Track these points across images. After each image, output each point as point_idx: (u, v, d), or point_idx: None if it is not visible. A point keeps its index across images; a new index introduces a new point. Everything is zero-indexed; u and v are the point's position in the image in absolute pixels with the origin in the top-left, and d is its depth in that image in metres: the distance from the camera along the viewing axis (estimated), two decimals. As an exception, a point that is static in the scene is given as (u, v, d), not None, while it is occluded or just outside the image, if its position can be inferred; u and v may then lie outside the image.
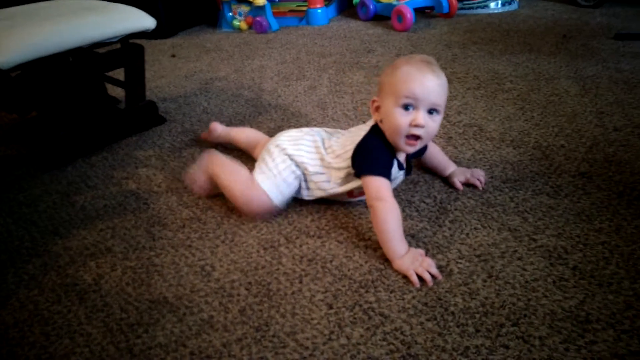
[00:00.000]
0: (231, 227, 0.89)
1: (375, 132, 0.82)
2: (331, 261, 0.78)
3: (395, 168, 0.83)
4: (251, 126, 1.28)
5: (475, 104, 1.31)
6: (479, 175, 0.93)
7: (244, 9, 2.28)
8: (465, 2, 2.31)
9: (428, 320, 0.66)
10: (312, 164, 0.88)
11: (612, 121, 1.14)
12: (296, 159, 0.88)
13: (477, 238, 0.80)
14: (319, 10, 2.28)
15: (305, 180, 0.89)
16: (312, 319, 0.68)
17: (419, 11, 2.29)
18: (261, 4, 2.18)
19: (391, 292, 0.71)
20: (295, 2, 2.59)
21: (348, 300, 0.70)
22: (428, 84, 0.75)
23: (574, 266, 0.72)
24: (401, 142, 0.79)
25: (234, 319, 0.69)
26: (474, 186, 0.93)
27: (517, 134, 1.12)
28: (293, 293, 0.72)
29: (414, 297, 0.70)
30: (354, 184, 0.85)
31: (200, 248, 0.84)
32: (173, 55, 2.00)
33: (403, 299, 0.69)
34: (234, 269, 0.78)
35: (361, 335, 0.64)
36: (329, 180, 0.87)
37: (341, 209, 0.91)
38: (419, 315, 0.66)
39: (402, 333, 0.64)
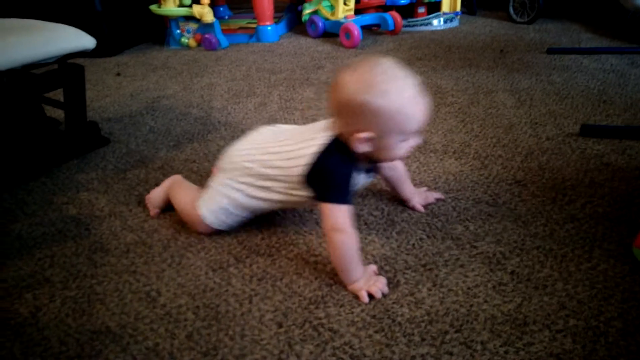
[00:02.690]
0: (178, 249, 0.87)
1: (334, 151, 0.73)
2: (281, 279, 0.78)
3: (361, 175, 0.78)
4: (200, 144, 1.27)
5: (420, 117, 1.35)
6: (434, 197, 0.94)
7: (192, 26, 2.26)
8: (409, 20, 2.40)
9: (376, 332, 0.67)
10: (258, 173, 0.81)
11: (545, 131, 1.21)
12: (239, 179, 0.83)
13: (422, 248, 0.82)
14: (269, 28, 2.30)
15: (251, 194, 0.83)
16: (261, 339, 0.67)
17: (366, 28, 2.36)
18: (210, 21, 2.18)
19: (340, 307, 0.71)
20: (245, 19, 2.60)
21: (298, 317, 0.70)
22: (424, 111, 0.70)
23: (512, 271, 0.75)
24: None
25: (180, 345, 0.67)
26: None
27: (458, 146, 1.17)
28: (242, 314, 0.71)
29: (362, 310, 0.70)
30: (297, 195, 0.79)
31: (145, 273, 0.81)
32: (118, 74, 1.95)
33: (352, 313, 0.70)
34: (181, 293, 0.77)
35: (311, 352, 0.64)
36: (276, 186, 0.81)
37: (292, 226, 0.91)
38: (368, 328, 0.67)
39: (351, 347, 0.65)
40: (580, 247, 0.80)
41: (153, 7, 2.24)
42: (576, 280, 0.72)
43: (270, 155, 0.80)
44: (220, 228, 0.87)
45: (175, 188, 0.95)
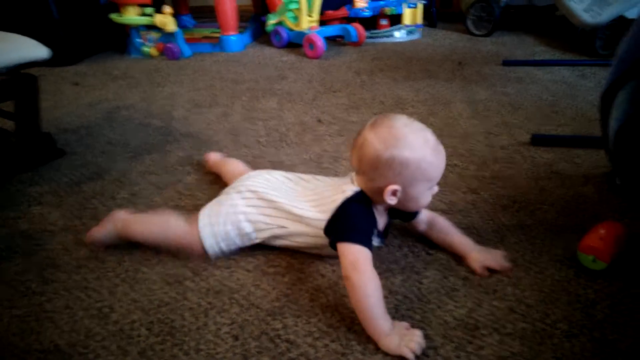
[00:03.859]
0: (133, 264, 0.85)
1: (359, 200, 0.75)
2: (239, 291, 0.77)
3: (375, 238, 0.78)
4: (159, 155, 1.25)
5: (381, 127, 1.38)
6: (499, 261, 0.79)
7: (154, 35, 2.23)
8: (372, 32, 2.45)
9: (332, 341, 0.67)
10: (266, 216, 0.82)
11: (499, 140, 1.26)
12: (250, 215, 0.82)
13: (379, 256, 0.83)
14: (233, 37, 2.30)
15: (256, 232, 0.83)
16: (217, 353, 0.66)
17: (330, 39, 2.39)
18: (172, 30, 2.15)
19: (298, 317, 0.72)
20: (209, 28, 2.59)
21: (255, 330, 0.70)
22: (445, 158, 0.75)
23: (465, 277, 0.78)
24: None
25: (133, 362, 0.65)
26: None
27: (417, 155, 1.20)
28: (198, 328, 0.70)
29: (319, 320, 0.71)
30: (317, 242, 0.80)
31: (97, 289, 0.79)
32: (76, 84, 1.90)
33: (309, 323, 0.70)
34: (135, 308, 0.75)
35: (266, 365, 0.64)
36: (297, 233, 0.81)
37: (250, 237, 0.90)
38: (324, 337, 0.68)
39: (307, 357, 0.65)
40: (530, 252, 0.83)
41: (113, 16, 2.20)
42: (525, 285, 0.75)
43: (300, 200, 0.81)
44: (213, 252, 0.83)
45: (139, 221, 0.88)
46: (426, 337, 0.67)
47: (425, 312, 0.71)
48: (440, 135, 1.30)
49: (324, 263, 0.82)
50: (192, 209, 0.99)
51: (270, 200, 0.82)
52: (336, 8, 2.46)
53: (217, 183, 1.10)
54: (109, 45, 2.42)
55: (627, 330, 0.66)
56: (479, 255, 0.79)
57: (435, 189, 0.77)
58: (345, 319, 0.71)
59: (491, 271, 0.78)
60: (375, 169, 0.72)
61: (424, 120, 1.40)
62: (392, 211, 0.80)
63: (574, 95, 1.55)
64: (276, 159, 1.21)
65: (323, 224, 0.76)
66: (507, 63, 1.93)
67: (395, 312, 0.71)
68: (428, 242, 0.86)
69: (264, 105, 1.58)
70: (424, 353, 0.64)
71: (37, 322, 0.73)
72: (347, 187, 0.77)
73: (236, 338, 0.68)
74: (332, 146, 1.27)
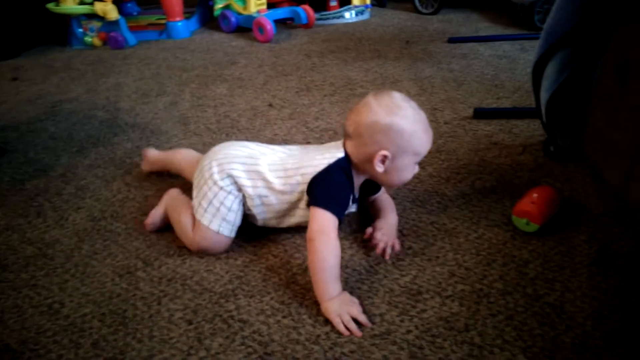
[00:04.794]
0: (82, 258, 0.84)
1: (342, 166, 0.78)
2: (191, 277, 0.78)
3: (351, 205, 0.81)
4: (105, 148, 1.22)
5: (331, 109, 1.40)
6: (393, 245, 0.81)
7: (96, 24, 2.15)
8: (322, 13, 2.44)
9: (284, 317, 0.69)
10: (252, 186, 0.80)
11: (443, 116, 1.30)
12: (237, 181, 0.80)
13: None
14: (179, 23, 2.24)
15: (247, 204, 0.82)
16: (170, 338, 0.67)
17: (280, 22, 2.37)
18: (114, 18, 2.08)
19: (250, 297, 0.73)
20: (154, 15, 2.51)
21: (208, 313, 0.71)
22: (431, 140, 0.79)
23: (409, 246, 0.82)
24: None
25: (85, 354, 0.65)
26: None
27: (366, 134, 1.22)
28: (151, 316, 0.71)
29: (272, 298, 0.73)
30: (297, 218, 0.82)
31: (46, 286, 0.78)
32: (14, 79, 1.81)
33: (262, 302, 0.72)
34: (86, 302, 0.74)
35: (220, 345, 0.66)
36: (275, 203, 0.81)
37: (203, 224, 0.91)
38: (276, 314, 0.70)
39: (259, 334, 0.67)
40: (469, 219, 0.87)
41: (50, 6, 2.10)
42: (464, 250, 0.80)
43: (287, 165, 0.81)
44: (231, 233, 0.82)
45: (171, 211, 0.87)
46: (373, 305, 0.70)
47: (373, 282, 0.75)
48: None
49: (276, 244, 0.84)
50: (141, 201, 0.99)
51: (253, 171, 0.81)
52: (285, -10, 2.44)
53: (167, 174, 1.09)
54: (49, 37, 2.31)
55: (554, 284, 0.72)
56: (377, 233, 0.82)
57: (417, 168, 0.81)
58: (297, 295, 0.73)
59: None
60: (371, 133, 0.75)
61: (372, 99, 1.45)
62: (364, 184, 0.83)
63: (514, 69, 1.61)
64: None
65: (304, 187, 0.78)
66: (452, 40, 1.98)
67: (345, 285, 0.74)
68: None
69: (214, 92, 1.57)
70: (370, 319, 0.67)
71: (-16, 324, 0.71)
72: (334, 150, 0.79)
73: (190, 322, 0.69)
74: (283, 130, 1.28)
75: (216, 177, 0.81)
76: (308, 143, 1.19)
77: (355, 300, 0.70)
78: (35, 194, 1.04)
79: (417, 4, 2.52)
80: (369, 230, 0.83)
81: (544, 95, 1.00)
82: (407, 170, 0.79)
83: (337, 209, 0.75)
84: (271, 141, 1.21)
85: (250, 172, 0.81)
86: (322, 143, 1.18)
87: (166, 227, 0.89)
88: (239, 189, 0.81)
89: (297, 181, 0.78)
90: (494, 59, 1.72)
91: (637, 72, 0.81)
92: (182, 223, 0.84)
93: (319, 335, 0.66)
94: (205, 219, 0.80)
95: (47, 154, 1.21)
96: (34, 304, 0.75)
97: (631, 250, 0.78)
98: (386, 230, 0.82)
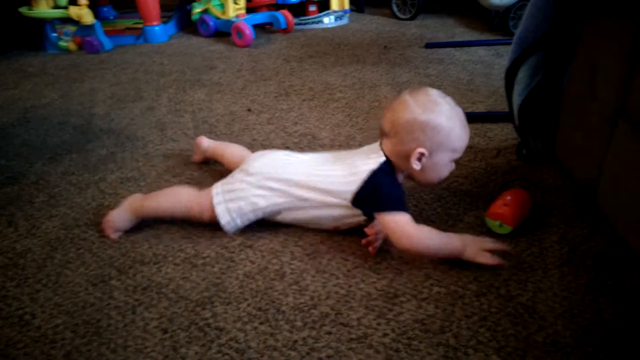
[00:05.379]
0: (55, 267, 0.82)
1: (385, 170, 0.79)
2: (167, 285, 0.77)
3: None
4: (79, 154, 1.20)
5: (310, 114, 1.40)
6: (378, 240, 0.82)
7: (71, 28, 2.11)
8: (301, 18, 2.45)
9: (261, 323, 0.69)
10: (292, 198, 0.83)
11: (420, 120, 1.32)
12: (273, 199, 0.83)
13: (307, 239, 0.86)
14: (157, 28, 2.22)
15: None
16: (145, 347, 0.66)
17: (259, 27, 2.37)
18: (89, 22, 2.04)
19: (227, 305, 0.73)
20: (131, 19, 2.48)
21: (184, 321, 0.70)
22: (468, 136, 0.81)
23: (387, 250, 0.82)
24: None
25: (57, 366, 0.64)
26: None
27: (344, 139, 1.23)
28: (125, 326, 0.70)
29: (249, 305, 0.73)
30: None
31: (17, 297, 0.76)
32: (-15, 83, 1.76)
33: (239, 309, 0.72)
34: (58, 312, 0.73)
35: (196, 353, 0.65)
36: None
37: (180, 231, 0.90)
38: (253, 321, 0.70)
39: (236, 342, 0.66)
40: (445, 222, 0.89)
41: (23, 9, 2.05)
42: (432, 255, 0.81)
43: (324, 171, 0.82)
44: (230, 229, 0.85)
45: (156, 195, 0.91)
46: (351, 309, 0.71)
47: (350, 286, 0.75)
48: (366, 117, 1.36)
49: (254, 250, 0.84)
50: (116, 208, 0.97)
51: (283, 180, 0.83)
52: (263, -5, 2.44)
53: (143, 180, 1.08)
54: (22, 42, 2.25)
55: (527, 285, 0.74)
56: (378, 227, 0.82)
57: (453, 165, 0.82)
58: (275, 301, 0.73)
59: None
60: (408, 131, 0.77)
61: (351, 104, 1.46)
62: None
63: (489, 74, 1.65)
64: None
65: (349, 195, 0.79)
66: (429, 45, 2.01)
67: (322, 289, 0.75)
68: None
69: (192, 97, 1.56)
70: (347, 324, 0.68)
71: (-50, 338, 0.69)
72: (374, 156, 0.80)
73: (165, 331, 0.69)
74: (261, 135, 1.28)
75: (245, 184, 0.84)
76: (287, 148, 1.19)
77: (479, 238, 0.77)
78: (6, 203, 1.01)
79: (395, 9, 2.55)
80: (372, 229, 0.82)
81: (516, 100, 1.02)
82: (444, 167, 0.81)
83: (401, 206, 0.77)
84: (249, 146, 1.20)
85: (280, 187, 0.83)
86: (301, 148, 1.19)
87: (135, 231, 0.88)
88: (263, 197, 0.84)
89: (351, 188, 0.79)
90: (469, 64, 1.75)
91: (604, 77, 0.84)
92: (183, 199, 0.88)
93: (296, 341, 0.66)
94: (217, 201, 0.84)
95: (19, 161, 1.18)
96: (4, 315, 0.73)
97: (600, 251, 0.80)
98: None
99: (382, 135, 0.82)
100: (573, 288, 0.73)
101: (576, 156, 0.96)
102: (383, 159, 0.80)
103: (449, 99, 0.80)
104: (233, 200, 0.84)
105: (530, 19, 0.96)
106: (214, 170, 1.10)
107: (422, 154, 0.77)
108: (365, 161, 0.80)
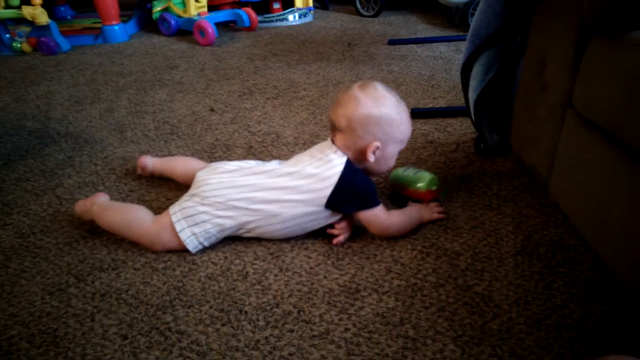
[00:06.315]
0: (10, 277, 0.79)
1: (353, 167, 0.81)
2: (127, 291, 0.76)
3: None
4: (35, 160, 1.16)
5: (274, 112, 1.40)
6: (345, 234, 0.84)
7: (25, 29, 2.03)
8: (265, 16, 2.44)
9: (223, 325, 0.69)
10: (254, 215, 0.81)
11: (383, 116, 1.33)
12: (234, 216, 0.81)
13: (272, 240, 0.86)
14: (116, 27, 2.16)
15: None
16: (104, 355, 0.65)
17: (222, 25, 2.34)
18: (44, 23, 1.97)
19: (189, 308, 0.72)
20: (89, 19, 2.41)
21: (144, 326, 0.69)
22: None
23: (349, 246, 0.83)
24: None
25: (11, 379, 0.62)
26: None
27: (308, 137, 1.24)
28: (84, 333, 0.68)
29: (211, 307, 0.72)
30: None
31: (-32, 309, 0.73)
32: None
33: (200, 311, 0.71)
34: (13, 323, 0.71)
35: (157, 358, 0.64)
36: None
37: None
38: (215, 322, 0.69)
39: (198, 344, 0.66)
40: (406, 216, 0.90)
41: (-29, 9, 1.97)
42: (400, 246, 0.83)
43: (288, 182, 0.81)
44: (194, 250, 0.82)
45: (113, 209, 0.88)
46: (313, 305, 0.71)
47: (313, 283, 0.76)
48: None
49: (216, 251, 0.84)
50: (73, 214, 0.95)
51: (246, 199, 0.81)
52: (226, -7, 2.41)
53: (101, 184, 1.06)
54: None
55: (483, 274, 0.76)
56: (343, 224, 0.85)
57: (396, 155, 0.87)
58: (237, 302, 0.73)
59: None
60: (364, 126, 0.79)
61: (315, 101, 1.47)
62: None
63: (450, 69, 1.68)
64: (166, 152, 1.18)
65: (323, 201, 0.79)
66: (392, 42, 2.04)
67: (285, 287, 0.75)
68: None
69: (153, 98, 1.53)
70: (309, 320, 0.68)
71: None
72: (334, 156, 0.81)
73: (125, 337, 0.68)
74: (224, 135, 1.27)
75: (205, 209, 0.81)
76: (250, 147, 1.19)
77: (424, 206, 0.88)
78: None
79: (359, 6, 2.57)
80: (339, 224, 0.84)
81: (472, 95, 1.05)
82: (393, 158, 0.85)
83: (377, 199, 0.83)
84: (212, 147, 1.20)
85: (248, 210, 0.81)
86: (265, 147, 1.19)
87: (93, 237, 0.86)
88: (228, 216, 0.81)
89: (323, 194, 0.80)
90: (430, 60, 1.79)
91: (551, 71, 0.87)
92: (135, 220, 0.85)
93: (258, 341, 0.66)
94: (179, 227, 0.81)
95: (-30, 169, 1.13)
96: (-46, 330, 0.70)
97: (553, 239, 0.83)
98: (348, 224, 0.85)
99: (333, 130, 0.83)
100: (527, 276, 0.76)
101: (529, 148, 0.99)
102: (345, 157, 0.81)
103: (394, 92, 0.83)
104: (198, 225, 0.81)
105: (482, 15, 0.98)
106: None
107: (377, 147, 0.80)
108: (328, 164, 0.80)
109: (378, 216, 0.82)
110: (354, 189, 0.81)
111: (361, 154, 0.81)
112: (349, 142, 0.81)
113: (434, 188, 0.91)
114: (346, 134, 0.81)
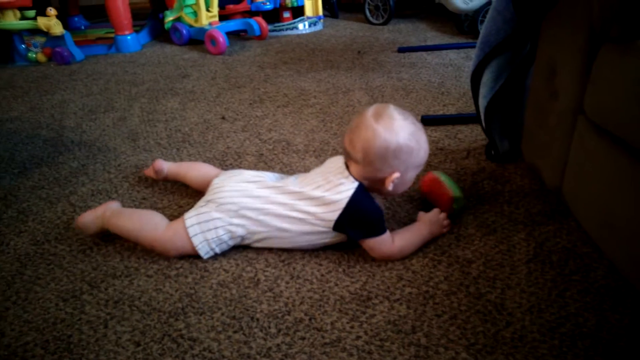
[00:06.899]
0: (24, 284, 0.81)
1: (364, 194, 0.80)
2: (140, 298, 0.77)
3: None
4: (49, 168, 1.18)
5: (284, 120, 1.41)
6: None
7: (40, 39, 2.07)
8: (276, 25, 2.47)
9: (235, 332, 0.69)
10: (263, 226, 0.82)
11: (393, 123, 1.34)
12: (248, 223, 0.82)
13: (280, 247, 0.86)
14: (129, 37, 2.20)
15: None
16: (117, 361, 0.66)
17: (233, 34, 2.37)
18: (58, 33, 2.02)
19: (201, 315, 0.73)
20: (103, 29, 2.46)
21: (157, 333, 0.70)
22: None
23: (360, 253, 0.83)
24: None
25: (26, 385, 0.63)
26: None
27: (318, 144, 1.24)
28: (97, 340, 0.69)
29: (222, 314, 0.73)
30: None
31: (-16, 316, 0.75)
32: (-50, 97, 1.72)
33: (212, 318, 0.72)
34: (28, 329, 0.72)
35: (169, 365, 0.65)
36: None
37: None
38: (227, 329, 0.70)
39: (210, 351, 0.66)
40: (417, 224, 0.90)
41: (-11, 21, 2.01)
42: (412, 254, 0.82)
43: (299, 200, 0.82)
44: (205, 256, 0.84)
45: (126, 216, 0.89)
46: (325, 313, 0.71)
47: (324, 290, 0.76)
48: (340, 122, 1.37)
49: (228, 258, 0.84)
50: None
51: (258, 209, 0.82)
52: (237, 2, 2.44)
53: (115, 192, 1.07)
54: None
55: (496, 282, 0.76)
56: None
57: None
58: (249, 309, 0.73)
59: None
60: (384, 160, 0.77)
61: (325, 109, 1.48)
62: None
63: (459, 77, 1.68)
64: (178, 160, 1.19)
65: (330, 224, 0.79)
66: (402, 50, 2.05)
67: (297, 295, 0.75)
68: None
69: (165, 106, 1.55)
70: (321, 328, 0.68)
71: None
72: (345, 181, 0.80)
73: (137, 344, 0.68)
74: (236, 142, 1.28)
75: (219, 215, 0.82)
76: (261, 155, 1.20)
77: (432, 215, 0.86)
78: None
79: (368, 14, 2.59)
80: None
81: (482, 102, 1.05)
82: (412, 180, 0.84)
83: (383, 227, 0.81)
84: (223, 155, 1.21)
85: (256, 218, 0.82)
86: (275, 154, 1.20)
87: (106, 244, 0.87)
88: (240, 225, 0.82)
89: (330, 217, 0.80)
90: (440, 67, 1.79)
91: (561, 78, 0.87)
92: (149, 225, 0.86)
93: (270, 348, 0.66)
94: (192, 232, 0.82)
95: (-14, 177, 1.15)
96: (-29, 335, 0.71)
97: (565, 246, 0.82)
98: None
99: (351, 159, 0.80)
100: (540, 284, 0.75)
101: (541, 155, 0.98)
102: (356, 183, 0.80)
103: (409, 115, 0.80)
104: (210, 231, 0.82)
105: (491, 23, 0.98)
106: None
107: (397, 177, 0.79)
108: (339, 188, 0.80)
109: (383, 244, 0.80)
110: (363, 216, 0.80)
111: (379, 183, 0.80)
112: (367, 174, 0.79)
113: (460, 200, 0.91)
114: (364, 166, 0.79)
